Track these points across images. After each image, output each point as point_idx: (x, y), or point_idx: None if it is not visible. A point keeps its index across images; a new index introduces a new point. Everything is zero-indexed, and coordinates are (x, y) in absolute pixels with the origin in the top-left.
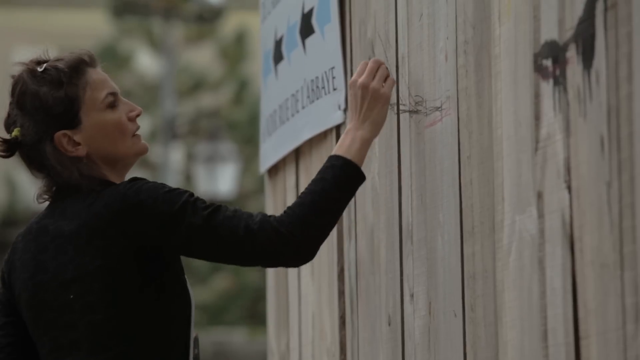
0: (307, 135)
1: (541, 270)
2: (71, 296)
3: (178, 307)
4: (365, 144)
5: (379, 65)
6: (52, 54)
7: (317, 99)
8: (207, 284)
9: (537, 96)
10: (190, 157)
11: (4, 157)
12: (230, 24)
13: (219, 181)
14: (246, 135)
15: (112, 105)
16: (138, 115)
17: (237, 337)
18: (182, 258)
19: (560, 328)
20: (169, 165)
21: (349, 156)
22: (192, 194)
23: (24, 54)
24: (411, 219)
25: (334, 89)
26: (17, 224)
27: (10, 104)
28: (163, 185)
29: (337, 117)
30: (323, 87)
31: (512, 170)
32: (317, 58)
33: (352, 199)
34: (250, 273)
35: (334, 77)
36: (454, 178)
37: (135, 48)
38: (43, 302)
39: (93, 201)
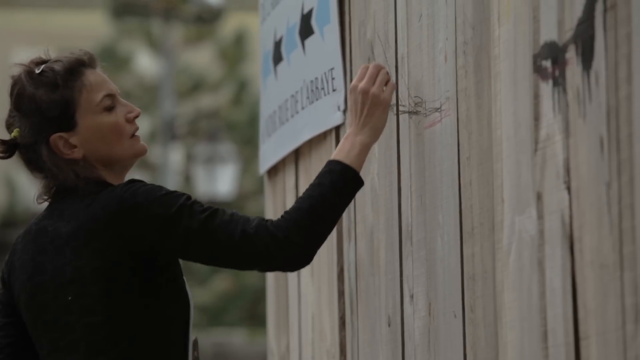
0: (306, 136)
1: (541, 270)
2: (69, 298)
3: (176, 309)
4: (365, 150)
5: (379, 70)
6: (53, 54)
7: (317, 99)
8: (207, 285)
9: (536, 97)
10: (189, 158)
11: (3, 158)
12: (229, 25)
13: (219, 182)
14: (245, 136)
15: (109, 107)
16: (136, 117)
17: (237, 338)
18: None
19: (560, 328)
20: (169, 166)
21: (347, 161)
22: (189, 197)
23: (23, 55)
24: (411, 220)
25: (334, 90)
26: (17, 225)
27: (10, 104)
28: (160, 188)
29: (336, 118)
30: (322, 88)
31: (512, 171)
32: (317, 59)
33: (352, 201)
34: (250, 274)
35: (333, 78)
36: (454, 179)
37: (135, 49)
38: (42, 303)
39: (90, 203)
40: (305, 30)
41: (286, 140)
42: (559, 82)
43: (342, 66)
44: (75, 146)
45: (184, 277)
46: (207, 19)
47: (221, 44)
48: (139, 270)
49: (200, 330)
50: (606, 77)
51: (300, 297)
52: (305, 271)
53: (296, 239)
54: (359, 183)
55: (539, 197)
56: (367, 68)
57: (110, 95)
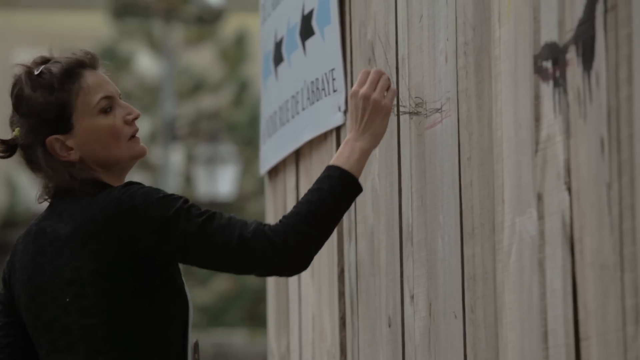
0: (307, 137)
1: (541, 271)
2: (67, 299)
3: (175, 310)
4: (364, 155)
5: (380, 75)
6: (56, 53)
7: (317, 100)
8: (207, 285)
9: (537, 98)
10: (190, 159)
11: (3, 157)
12: (230, 26)
13: (219, 183)
14: (246, 136)
15: (106, 110)
16: (135, 119)
17: (237, 338)
18: None
19: (561, 329)
20: (169, 166)
21: (347, 167)
22: (186, 200)
23: (23, 56)
24: (411, 221)
25: (334, 91)
26: (17, 225)
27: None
28: (158, 191)
29: (337, 119)
30: (323, 89)
31: (512, 171)
32: (317, 60)
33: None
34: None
35: (334, 79)
36: (454, 179)
37: (136, 50)
38: (41, 304)
39: (88, 204)
40: (306, 30)
41: (287, 141)
42: (559, 82)
43: (342, 67)
44: (71, 148)
45: (183, 278)
46: (208, 20)
47: (222, 45)
48: (136, 271)
49: (201, 330)
50: (607, 77)
51: (301, 298)
52: (305, 272)
53: (294, 243)
54: (357, 189)
55: (539, 197)
56: (367, 73)
57: (108, 97)
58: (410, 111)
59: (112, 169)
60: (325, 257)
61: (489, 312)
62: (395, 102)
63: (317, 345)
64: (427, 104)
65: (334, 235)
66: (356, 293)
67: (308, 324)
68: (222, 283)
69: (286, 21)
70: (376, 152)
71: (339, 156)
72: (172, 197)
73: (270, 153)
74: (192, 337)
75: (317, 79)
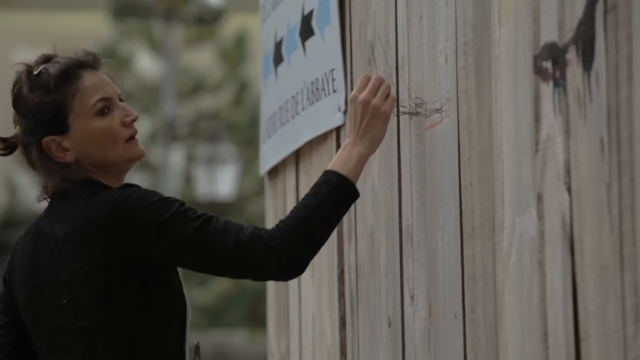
0: (307, 137)
1: (541, 271)
2: (64, 301)
3: (172, 311)
4: (362, 160)
5: (381, 82)
6: (60, 51)
7: (317, 100)
8: (207, 285)
9: (537, 98)
10: (190, 159)
11: (2, 154)
12: (230, 26)
13: (219, 183)
14: (246, 137)
15: (103, 112)
16: (133, 121)
17: (237, 338)
18: None
19: (561, 329)
20: (169, 167)
21: (344, 172)
22: (183, 204)
23: (23, 56)
24: (411, 221)
25: (334, 91)
26: (17, 225)
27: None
28: (154, 194)
29: (337, 119)
30: (323, 89)
31: (512, 172)
32: (317, 60)
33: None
34: None
35: (334, 79)
36: (454, 180)
37: (136, 50)
38: (39, 305)
39: (85, 206)
40: (306, 31)
41: (287, 141)
42: (559, 83)
43: (342, 67)
44: (67, 149)
45: (181, 278)
46: (208, 20)
47: (222, 45)
48: (132, 273)
49: (201, 330)
50: (607, 78)
51: (301, 298)
52: (305, 272)
53: (290, 248)
54: (355, 194)
55: (539, 198)
56: (367, 78)
57: (106, 99)
58: (410, 111)
59: (110, 171)
60: (325, 257)
61: (489, 312)
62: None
63: (317, 345)
64: (427, 104)
65: (334, 236)
66: (356, 293)
67: (308, 324)
68: (222, 283)
69: (286, 21)
70: (376, 152)
71: (336, 161)
72: (169, 200)
73: (270, 153)
74: (193, 337)
75: (317, 79)
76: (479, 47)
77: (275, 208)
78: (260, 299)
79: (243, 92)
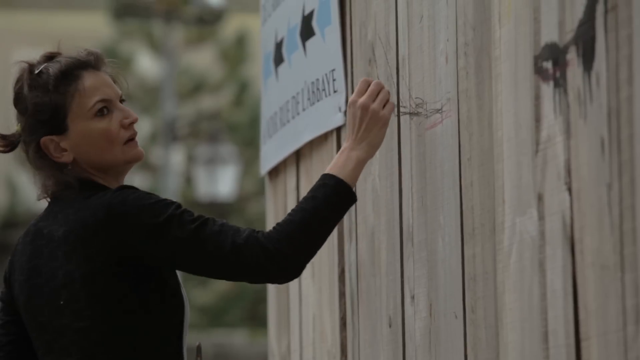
0: (307, 137)
1: (542, 272)
2: (61, 302)
3: (169, 313)
4: (360, 165)
5: (380, 88)
6: (65, 50)
7: (318, 101)
8: (207, 285)
9: (537, 98)
10: (190, 159)
11: (3, 151)
12: (230, 26)
13: (219, 183)
14: (247, 137)
15: (102, 113)
16: (132, 123)
17: (237, 338)
18: None
19: (561, 330)
20: (170, 167)
21: (342, 176)
22: (179, 206)
23: (23, 56)
24: (412, 221)
25: (335, 91)
26: (18, 225)
27: None
28: (150, 196)
29: (337, 119)
30: (324, 89)
31: (513, 172)
32: (318, 60)
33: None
34: None
35: (334, 79)
36: (455, 180)
37: (136, 50)
38: (37, 306)
39: (82, 207)
40: (306, 31)
41: (287, 141)
42: (559, 83)
43: (343, 67)
44: (65, 150)
45: (180, 279)
46: (208, 21)
47: (222, 45)
48: (127, 275)
49: (201, 330)
50: (607, 78)
51: (301, 298)
52: (306, 272)
53: (287, 251)
54: (352, 198)
55: (539, 198)
56: (367, 83)
57: (105, 100)
58: (411, 112)
59: (108, 172)
60: (325, 257)
61: (490, 312)
62: (395, 101)
63: (318, 345)
64: (427, 104)
65: (335, 235)
66: (357, 293)
67: (309, 324)
68: (222, 283)
69: (286, 22)
70: (377, 152)
71: (334, 164)
72: (164, 203)
73: (271, 153)
74: (193, 338)
75: (317, 80)
76: (479, 47)
77: (276, 208)
78: (260, 299)
79: (243, 93)
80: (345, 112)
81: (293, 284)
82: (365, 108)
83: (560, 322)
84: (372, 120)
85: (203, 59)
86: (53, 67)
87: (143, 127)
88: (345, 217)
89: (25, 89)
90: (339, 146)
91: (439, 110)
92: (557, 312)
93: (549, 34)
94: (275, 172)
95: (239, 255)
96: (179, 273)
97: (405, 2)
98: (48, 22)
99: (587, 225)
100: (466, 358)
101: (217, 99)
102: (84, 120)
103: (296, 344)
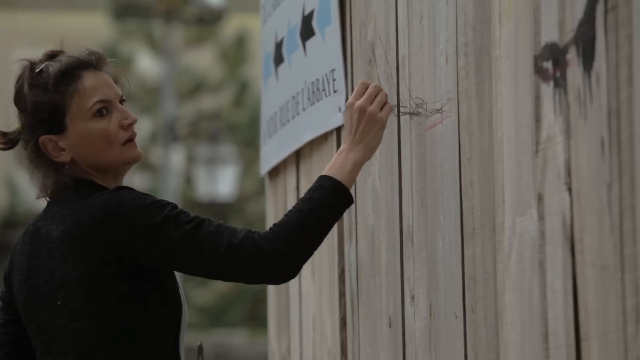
0: (307, 137)
1: (542, 272)
2: (59, 302)
3: (166, 313)
4: (357, 166)
5: (378, 90)
6: (68, 48)
7: (318, 101)
8: (207, 285)
9: (537, 98)
10: (190, 159)
11: (2, 149)
12: (230, 27)
13: (219, 183)
14: (247, 137)
15: (101, 113)
16: (132, 124)
17: (237, 338)
18: None
19: (561, 330)
20: (170, 167)
21: (339, 177)
22: (175, 207)
23: (24, 56)
24: (412, 221)
25: (335, 91)
26: (18, 225)
27: None
28: (146, 197)
29: (337, 119)
30: (324, 89)
31: (513, 172)
32: (318, 60)
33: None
34: None
35: (334, 79)
36: (455, 180)
37: (136, 50)
38: (35, 306)
39: (78, 208)
40: (306, 31)
41: (287, 141)
42: (559, 83)
43: (343, 67)
44: (63, 149)
45: (177, 279)
46: (208, 21)
47: (222, 45)
48: (124, 276)
49: (201, 330)
50: (607, 78)
51: (301, 298)
52: (306, 272)
53: (283, 251)
54: (349, 200)
55: (539, 198)
56: (365, 85)
57: (104, 101)
58: (411, 112)
59: (106, 172)
60: (325, 257)
61: (490, 312)
62: (395, 101)
63: (318, 345)
64: (427, 104)
65: (335, 236)
66: (357, 293)
67: (309, 324)
68: (222, 283)
69: (287, 22)
70: (377, 152)
71: (332, 166)
72: (160, 204)
73: (271, 153)
74: (193, 338)
75: (317, 80)
76: (479, 47)
77: (276, 208)
78: (260, 299)
79: (243, 93)
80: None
81: (293, 284)
82: (362, 110)
83: (560, 322)
84: (369, 122)
85: (203, 59)
86: (53, 66)
87: (143, 127)
88: (346, 217)
89: (26, 87)
90: (339, 146)
91: (439, 110)
92: (557, 312)
93: (549, 34)
94: (275, 172)
95: (235, 255)
96: (178, 273)
97: (406, 2)
98: (48, 22)
99: (587, 225)
100: (466, 358)
101: (217, 99)
102: (83, 120)
103: (296, 344)
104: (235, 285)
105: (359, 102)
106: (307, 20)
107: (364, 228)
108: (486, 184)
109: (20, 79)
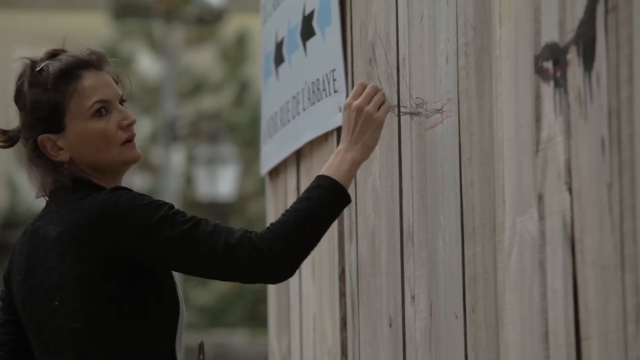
0: (308, 137)
1: (542, 272)
2: (56, 302)
3: (163, 313)
4: (354, 166)
5: (376, 91)
6: (70, 47)
7: (318, 101)
8: (207, 285)
9: (537, 98)
10: (190, 159)
11: (2, 147)
12: (231, 26)
13: (220, 183)
14: (247, 137)
15: (100, 113)
16: (131, 124)
17: (238, 338)
18: None
19: (561, 329)
20: (170, 167)
21: (336, 177)
22: (171, 207)
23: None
24: (412, 221)
25: (335, 91)
26: (18, 225)
27: None
28: (143, 197)
29: (338, 119)
30: (324, 89)
31: (513, 172)
32: (318, 60)
33: (353, 201)
34: None
35: (334, 79)
36: (455, 180)
37: (136, 50)
38: (33, 306)
39: (76, 208)
40: (307, 31)
41: (287, 141)
42: (560, 83)
43: (343, 67)
44: (62, 149)
45: (175, 279)
46: (209, 20)
47: (222, 45)
48: (121, 276)
49: (201, 330)
50: (607, 78)
51: (302, 298)
52: (306, 272)
53: (280, 251)
54: (346, 200)
55: (540, 198)
56: (363, 86)
57: (103, 101)
58: (411, 112)
59: (105, 172)
60: (326, 257)
61: (490, 312)
62: (395, 101)
63: (318, 345)
64: (427, 104)
65: (335, 236)
66: (357, 293)
67: (309, 324)
68: (222, 283)
69: (287, 22)
70: (377, 152)
71: (329, 166)
72: (157, 204)
73: (271, 153)
74: (193, 338)
75: (317, 80)
76: (479, 47)
77: (276, 208)
78: (261, 299)
79: (244, 93)
80: None
81: (293, 284)
82: (359, 110)
83: (560, 322)
84: (366, 122)
85: (203, 59)
86: (53, 66)
87: (143, 127)
88: (346, 217)
89: (26, 86)
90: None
91: (440, 110)
92: (557, 312)
93: (550, 34)
94: (275, 172)
95: (232, 255)
96: (177, 273)
97: (406, 2)
98: (48, 22)
99: (587, 225)
100: (466, 358)
101: (217, 99)
102: (82, 120)
103: (296, 344)
104: (235, 285)
105: (356, 102)
106: (307, 20)
107: (364, 228)
108: (486, 183)
109: (20, 77)
